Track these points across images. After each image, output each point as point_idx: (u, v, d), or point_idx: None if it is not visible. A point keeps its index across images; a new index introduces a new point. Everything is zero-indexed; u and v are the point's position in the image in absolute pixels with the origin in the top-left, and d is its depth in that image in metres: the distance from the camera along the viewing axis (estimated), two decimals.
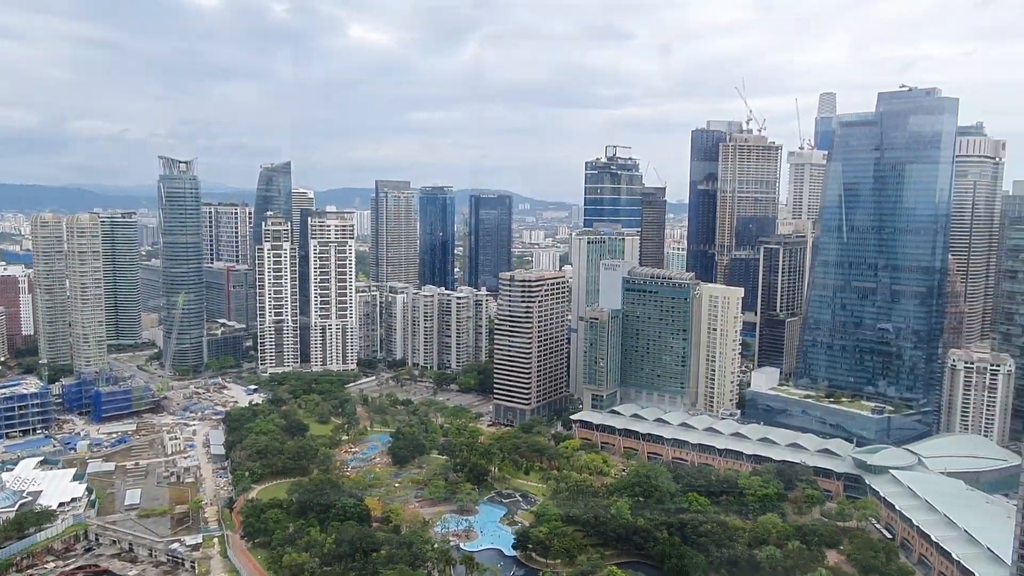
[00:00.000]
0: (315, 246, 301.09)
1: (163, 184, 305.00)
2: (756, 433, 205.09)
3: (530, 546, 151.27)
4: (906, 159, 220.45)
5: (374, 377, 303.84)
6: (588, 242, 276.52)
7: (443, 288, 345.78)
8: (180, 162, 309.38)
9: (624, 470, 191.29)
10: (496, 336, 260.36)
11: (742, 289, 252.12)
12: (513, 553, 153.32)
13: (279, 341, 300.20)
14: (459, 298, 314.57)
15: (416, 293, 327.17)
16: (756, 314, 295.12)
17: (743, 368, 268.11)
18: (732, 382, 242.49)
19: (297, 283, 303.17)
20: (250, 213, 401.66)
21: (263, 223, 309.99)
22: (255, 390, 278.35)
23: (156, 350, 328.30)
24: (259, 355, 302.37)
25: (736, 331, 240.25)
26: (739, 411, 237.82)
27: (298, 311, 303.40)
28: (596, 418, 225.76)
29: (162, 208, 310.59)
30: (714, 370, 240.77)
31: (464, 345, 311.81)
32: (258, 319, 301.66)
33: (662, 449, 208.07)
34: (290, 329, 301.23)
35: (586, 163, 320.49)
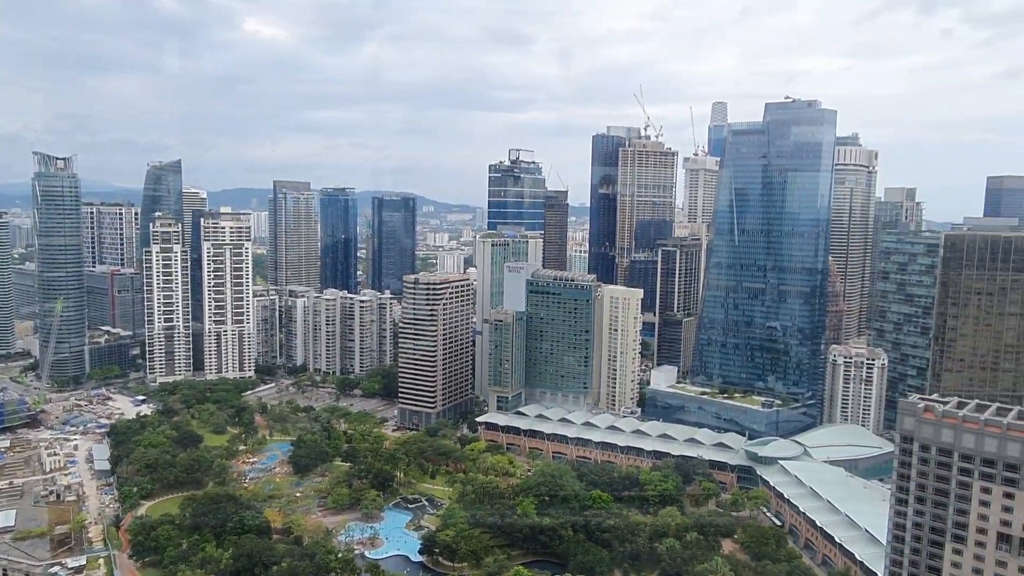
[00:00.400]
0: (208, 248, 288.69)
1: (38, 182, 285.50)
2: (656, 430, 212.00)
3: (437, 551, 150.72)
4: (790, 166, 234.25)
5: (273, 384, 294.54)
6: (492, 244, 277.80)
7: (345, 291, 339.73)
8: (57, 159, 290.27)
9: (530, 470, 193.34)
10: (401, 339, 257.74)
11: (641, 291, 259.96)
12: (420, 559, 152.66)
13: (169, 348, 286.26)
14: (362, 301, 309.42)
15: (317, 297, 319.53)
16: (655, 314, 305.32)
17: (643, 367, 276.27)
18: (633, 381, 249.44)
19: (189, 287, 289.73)
20: (136, 214, 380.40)
21: (151, 224, 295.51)
22: (143, 401, 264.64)
23: (32, 360, 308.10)
24: (148, 363, 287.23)
25: (636, 331, 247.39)
26: (639, 409, 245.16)
27: (190, 317, 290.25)
28: (501, 419, 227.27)
29: (37, 208, 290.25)
30: (615, 369, 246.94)
31: (368, 349, 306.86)
32: (146, 326, 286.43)
33: (566, 448, 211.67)
34: (181, 336, 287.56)
35: (490, 166, 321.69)
